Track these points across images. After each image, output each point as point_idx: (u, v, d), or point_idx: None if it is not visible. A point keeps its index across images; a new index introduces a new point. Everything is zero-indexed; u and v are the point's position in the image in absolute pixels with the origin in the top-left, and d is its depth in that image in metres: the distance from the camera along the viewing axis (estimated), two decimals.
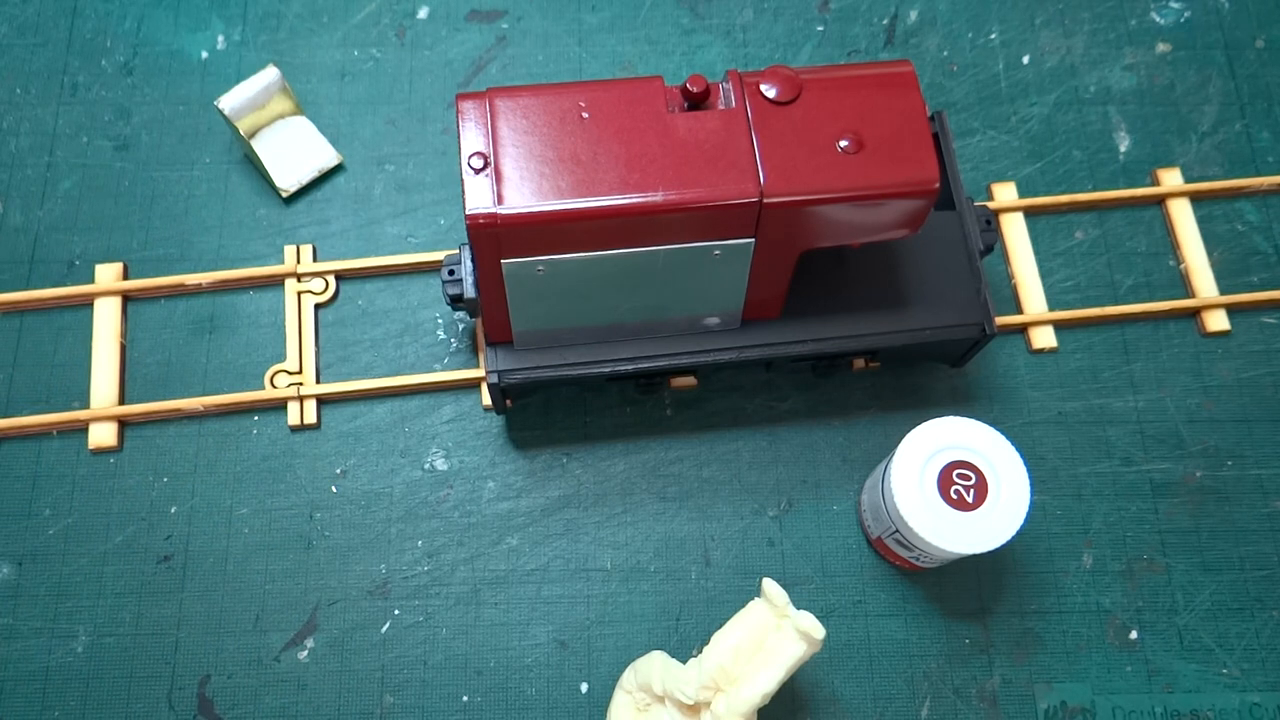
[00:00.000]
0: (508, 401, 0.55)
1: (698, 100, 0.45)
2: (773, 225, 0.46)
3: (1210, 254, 0.60)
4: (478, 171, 0.44)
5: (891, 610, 0.53)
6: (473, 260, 0.50)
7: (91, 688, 0.52)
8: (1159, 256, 0.60)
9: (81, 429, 0.56)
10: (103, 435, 0.55)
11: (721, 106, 0.46)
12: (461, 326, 0.58)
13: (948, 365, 0.57)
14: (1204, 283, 0.59)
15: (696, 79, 0.45)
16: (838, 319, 0.53)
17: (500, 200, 0.43)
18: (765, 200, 0.44)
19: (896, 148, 0.45)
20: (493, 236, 0.44)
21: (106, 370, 0.57)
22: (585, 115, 0.45)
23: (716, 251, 0.47)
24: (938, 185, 0.45)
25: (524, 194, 0.43)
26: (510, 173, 0.44)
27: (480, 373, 0.57)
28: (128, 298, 0.58)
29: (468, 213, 0.43)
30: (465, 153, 0.44)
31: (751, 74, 0.46)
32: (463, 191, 0.44)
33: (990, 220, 0.54)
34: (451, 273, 0.51)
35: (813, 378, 0.57)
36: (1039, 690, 0.52)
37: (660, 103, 0.45)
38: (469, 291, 0.50)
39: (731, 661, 0.46)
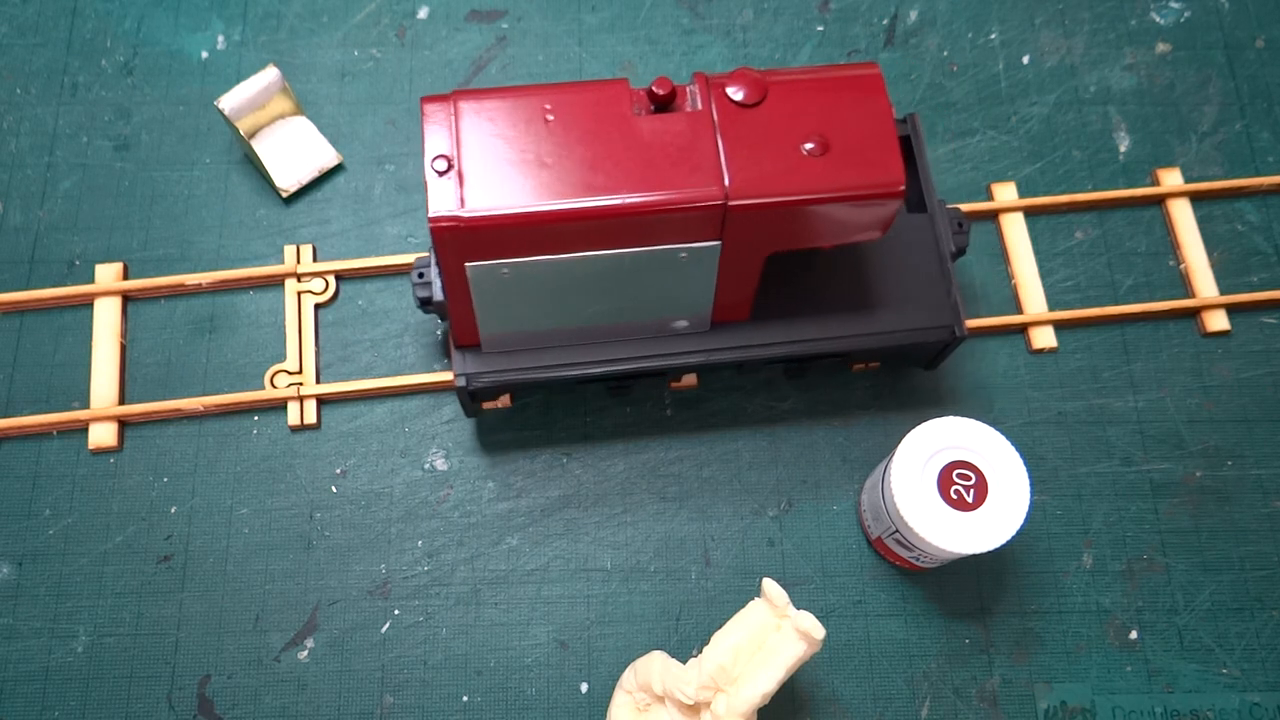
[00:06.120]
0: (480, 405, 0.54)
1: (664, 102, 0.45)
2: (739, 228, 0.45)
3: (1210, 254, 0.60)
4: (441, 174, 0.44)
5: (891, 610, 0.53)
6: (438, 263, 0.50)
7: (91, 688, 0.52)
8: (1159, 256, 0.60)
9: (81, 429, 0.56)
10: (103, 435, 0.55)
11: (688, 109, 0.45)
12: None
13: (920, 368, 0.57)
14: (1204, 283, 0.59)
15: (662, 81, 0.44)
16: (808, 321, 0.52)
17: (463, 203, 0.43)
18: (730, 203, 0.44)
19: (862, 150, 0.45)
20: (456, 239, 0.44)
21: (106, 370, 0.57)
22: (550, 118, 0.44)
23: (683, 254, 0.46)
24: (903, 187, 0.45)
25: (487, 197, 0.43)
26: (474, 176, 0.43)
27: None
28: (128, 298, 0.59)
29: (430, 215, 0.43)
30: (429, 156, 0.44)
31: (718, 76, 0.45)
32: (425, 194, 0.44)
33: (962, 223, 0.53)
34: (421, 275, 0.51)
35: (812, 378, 0.57)
36: (1039, 690, 0.52)
37: (626, 105, 0.45)
38: (438, 295, 0.50)
39: (731, 661, 0.46)
